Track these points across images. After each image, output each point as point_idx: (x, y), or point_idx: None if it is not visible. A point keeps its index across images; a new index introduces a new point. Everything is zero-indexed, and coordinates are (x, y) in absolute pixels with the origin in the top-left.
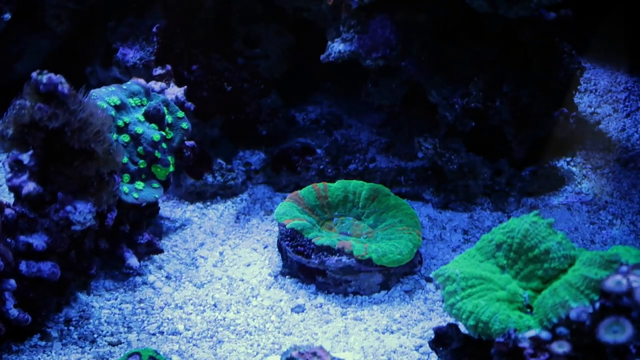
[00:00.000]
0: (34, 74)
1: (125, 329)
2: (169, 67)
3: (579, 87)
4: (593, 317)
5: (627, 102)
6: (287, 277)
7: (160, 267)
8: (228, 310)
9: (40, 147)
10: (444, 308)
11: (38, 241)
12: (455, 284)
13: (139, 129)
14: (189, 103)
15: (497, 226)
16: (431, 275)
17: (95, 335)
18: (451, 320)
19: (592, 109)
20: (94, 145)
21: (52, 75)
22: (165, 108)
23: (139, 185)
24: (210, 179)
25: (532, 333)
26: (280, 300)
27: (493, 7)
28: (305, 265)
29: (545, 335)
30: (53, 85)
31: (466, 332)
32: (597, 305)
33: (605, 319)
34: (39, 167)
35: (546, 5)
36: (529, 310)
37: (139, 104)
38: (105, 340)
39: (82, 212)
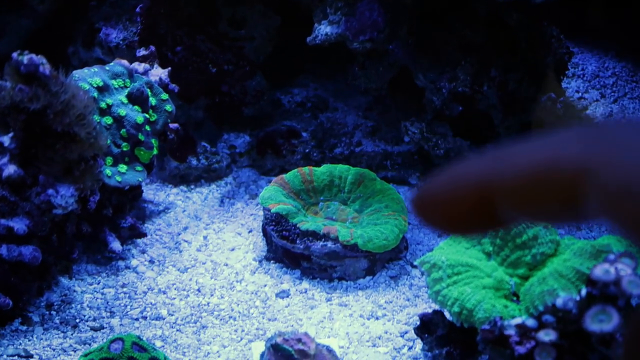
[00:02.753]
0: (14, 55)
1: (108, 314)
2: (152, 48)
3: (567, 71)
4: (580, 305)
5: (615, 88)
6: (271, 262)
7: (143, 251)
8: (212, 295)
9: (21, 129)
10: (429, 295)
11: (19, 225)
12: (440, 271)
13: (122, 111)
14: (173, 85)
15: None
16: (416, 263)
17: (77, 320)
18: (436, 307)
19: (580, 94)
20: (77, 128)
21: (33, 56)
22: (148, 90)
23: (122, 168)
24: (194, 162)
25: (518, 320)
26: (265, 286)
27: None
28: (290, 250)
29: (531, 323)
30: (34, 66)
31: (451, 319)
32: (584, 293)
33: (591, 308)
34: (20, 149)
35: None
36: (515, 298)
37: (122, 85)
38: (88, 325)
39: (64, 196)
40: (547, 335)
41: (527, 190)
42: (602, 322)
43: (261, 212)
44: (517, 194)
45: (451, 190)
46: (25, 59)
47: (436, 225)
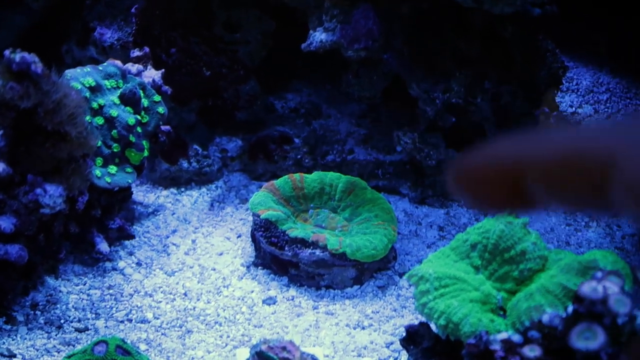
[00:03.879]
0: (6, 52)
1: (93, 315)
2: (147, 49)
3: (561, 86)
4: (566, 322)
5: (608, 103)
6: (259, 268)
7: (131, 253)
8: (198, 299)
9: (11, 127)
10: (416, 307)
11: (6, 223)
12: (428, 283)
13: (114, 112)
14: (166, 87)
15: (472, 224)
16: (404, 277)
17: (62, 321)
18: (423, 319)
19: (574, 108)
20: (68, 127)
21: (26, 54)
22: (141, 91)
23: (112, 169)
24: (185, 164)
25: (503, 335)
26: (252, 292)
27: (477, 3)
28: (279, 257)
29: (517, 338)
30: (26, 64)
31: (437, 331)
32: (570, 310)
33: (577, 325)
34: (9, 147)
35: (531, 2)
36: (502, 312)
37: (115, 86)
38: (72, 326)
39: (52, 196)
40: (532, 351)
41: (559, 172)
42: (587, 340)
43: (251, 218)
44: (550, 175)
45: (489, 165)
46: (18, 57)
47: (471, 197)
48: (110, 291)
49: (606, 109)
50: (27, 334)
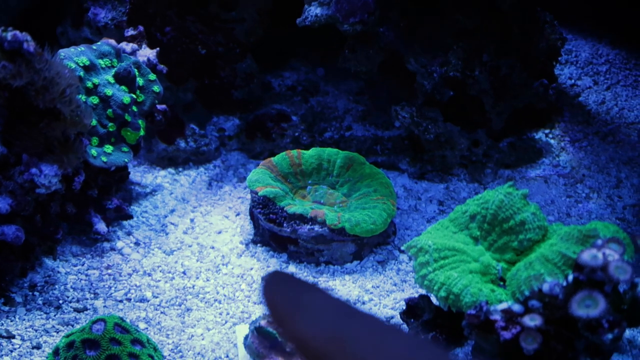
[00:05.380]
0: None
1: (92, 295)
2: (141, 28)
3: (559, 58)
4: (566, 290)
5: (608, 75)
6: (258, 245)
7: (129, 233)
8: (197, 278)
9: (4, 106)
10: (415, 279)
11: (2, 204)
12: (427, 255)
13: (109, 91)
14: (162, 66)
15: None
16: (403, 248)
17: (61, 301)
18: (423, 292)
19: (573, 80)
20: (60, 106)
21: (17, 32)
22: (136, 70)
23: (108, 148)
24: (182, 144)
25: (504, 305)
26: (251, 269)
27: None
28: (277, 234)
29: (517, 308)
30: (18, 42)
31: (437, 303)
32: (571, 278)
33: (578, 293)
34: (3, 127)
35: None
36: (502, 283)
37: (109, 65)
38: (71, 307)
39: (47, 175)
40: (532, 321)
41: None
42: (588, 308)
43: (249, 196)
44: None
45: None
46: (9, 35)
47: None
48: (109, 271)
49: (606, 81)
50: (25, 314)
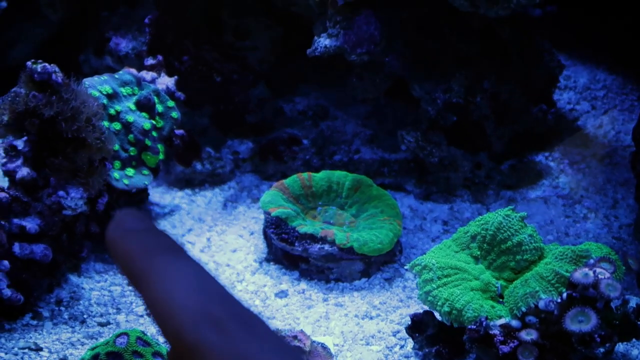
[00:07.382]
0: (28, 63)
1: (114, 310)
2: (160, 57)
3: (558, 84)
4: (560, 306)
5: (605, 100)
6: (271, 263)
7: None
8: None
9: (35, 133)
10: (419, 296)
11: (31, 224)
12: (431, 272)
13: (130, 118)
14: (180, 93)
15: (475, 218)
16: (407, 266)
17: (85, 316)
18: (427, 308)
19: (571, 105)
20: (85, 134)
21: (47, 64)
22: (156, 97)
23: (130, 172)
24: (199, 166)
25: (502, 321)
26: (265, 286)
27: (474, 7)
28: (289, 253)
29: (515, 323)
30: (47, 74)
31: (441, 319)
32: (565, 295)
33: (571, 309)
34: (33, 152)
35: (525, 5)
36: (501, 299)
37: (131, 93)
38: (95, 321)
39: (73, 198)
40: (528, 335)
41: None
42: (581, 323)
43: (262, 216)
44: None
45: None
46: (39, 67)
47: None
48: (130, 287)
49: (603, 105)
50: (52, 328)
